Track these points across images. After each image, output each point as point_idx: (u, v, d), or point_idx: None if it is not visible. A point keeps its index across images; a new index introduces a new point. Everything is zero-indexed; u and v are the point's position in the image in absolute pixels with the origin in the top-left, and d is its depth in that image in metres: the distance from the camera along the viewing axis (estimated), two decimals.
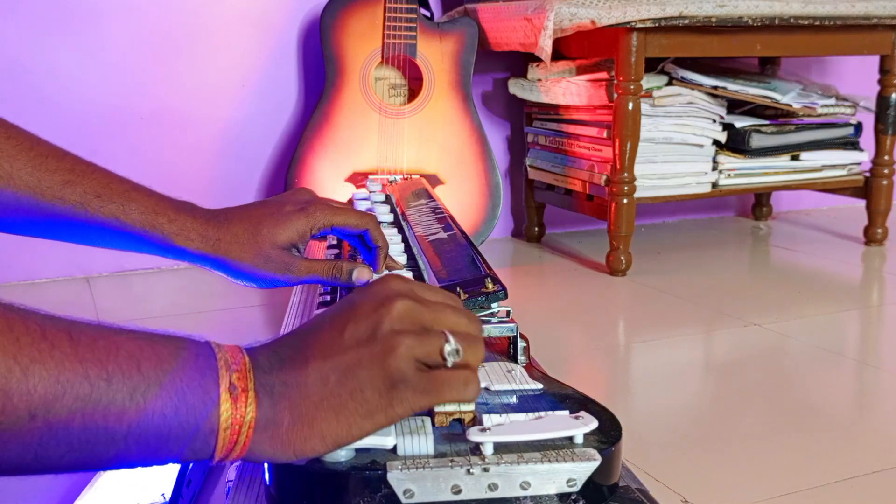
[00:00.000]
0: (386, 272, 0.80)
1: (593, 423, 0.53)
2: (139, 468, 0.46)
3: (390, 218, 1.07)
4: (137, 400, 0.43)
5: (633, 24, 1.49)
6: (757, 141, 1.72)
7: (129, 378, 0.43)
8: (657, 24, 1.50)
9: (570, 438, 0.53)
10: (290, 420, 0.47)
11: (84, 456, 0.43)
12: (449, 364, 0.49)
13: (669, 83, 1.67)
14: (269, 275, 0.76)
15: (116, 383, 0.43)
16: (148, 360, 0.44)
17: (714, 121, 1.71)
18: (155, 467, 0.47)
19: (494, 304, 0.70)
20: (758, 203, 2.18)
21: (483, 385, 0.61)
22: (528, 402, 0.59)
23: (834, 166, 1.84)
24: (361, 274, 0.77)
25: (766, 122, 1.76)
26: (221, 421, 0.45)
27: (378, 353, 0.48)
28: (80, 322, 0.44)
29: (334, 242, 1.02)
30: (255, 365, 0.48)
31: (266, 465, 0.52)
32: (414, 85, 1.68)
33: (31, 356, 0.41)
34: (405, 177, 1.53)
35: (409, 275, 0.81)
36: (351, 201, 1.23)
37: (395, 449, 0.51)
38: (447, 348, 0.49)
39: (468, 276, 0.75)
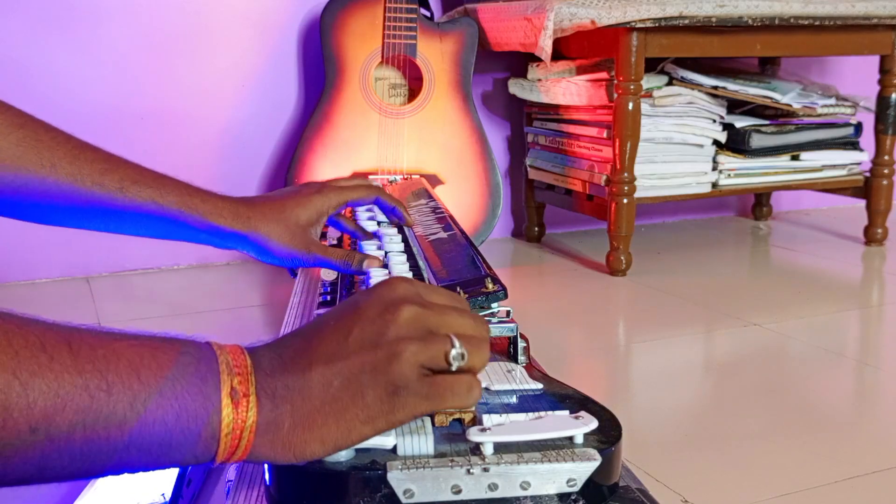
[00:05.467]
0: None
1: (593, 423, 0.53)
2: (141, 472, 0.46)
3: None
4: (138, 409, 0.43)
5: (633, 24, 1.49)
6: (757, 141, 1.72)
7: (128, 388, 0.43)
8: (657, 24, 1.50)
9: (570, 438, 0.53)
10: (291, 424, 0.47)
11: (87, 465, 0.43)
12: (454, 369, 0.48)
13: (669, 83, 1.67)
14: (293, 252, 0.83)
15: (116, 394, 0.43)
16: (147, 367, 0.44)
17: (714, 121, 1.71)
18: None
19: (494, 304, 0.70)
20: (758, 203, 2.18)
21: (483, 385, 0.61)
22: (528, 402, 0.59)
23: (834, 166, 1.84)
24: (371, 263, 0.82)
25: (766, 122, 1.76)
26: (223, 426, 0.45)
27: (382, 358, 0.48)
28: (80, 329, 0.44)
29: (334, 242, 1.02)
30: (257, 367, 0.48)
31: (266, 465, 0.52)
32: (414, 85, 1.68)
33: (30, 370, 0.40)
34: (405, 177, 1.52)
35: (409, 274, 0.82)
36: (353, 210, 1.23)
37: (395, 449, 0.51)
38: (452, 353, 0.48)
39: (468, 276, 0.75)
